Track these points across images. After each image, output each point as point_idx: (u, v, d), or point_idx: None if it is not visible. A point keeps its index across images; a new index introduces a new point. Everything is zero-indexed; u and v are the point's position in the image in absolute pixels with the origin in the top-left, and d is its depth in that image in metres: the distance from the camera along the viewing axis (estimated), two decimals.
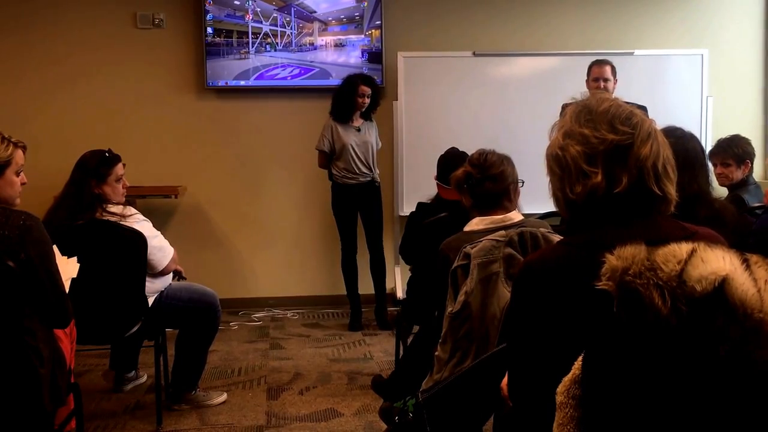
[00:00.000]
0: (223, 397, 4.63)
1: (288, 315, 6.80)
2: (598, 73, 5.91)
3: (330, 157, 6.27)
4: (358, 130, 6.24)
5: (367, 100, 6.16)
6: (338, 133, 6.18)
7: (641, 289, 1.35)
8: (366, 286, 6.55)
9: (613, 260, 1.41)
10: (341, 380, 5.05)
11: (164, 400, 4.42)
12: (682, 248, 1.38)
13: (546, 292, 1.73)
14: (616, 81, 5.93)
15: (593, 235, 1.73)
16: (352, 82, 6.20)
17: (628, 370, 1.40)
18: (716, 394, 1.32)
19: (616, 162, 1.74)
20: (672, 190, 1.78)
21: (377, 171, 6.42)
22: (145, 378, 4.94)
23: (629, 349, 1.39)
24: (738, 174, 4.74)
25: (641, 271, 1.37)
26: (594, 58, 6.05)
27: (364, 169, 6.26)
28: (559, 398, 1.56)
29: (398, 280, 6.65)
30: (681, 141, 2.93)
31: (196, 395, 4.52)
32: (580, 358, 1.55)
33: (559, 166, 1.80)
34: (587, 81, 5.97)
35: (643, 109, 5.76)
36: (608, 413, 1.44)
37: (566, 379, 1.56)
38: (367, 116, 6.33)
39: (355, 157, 6.19)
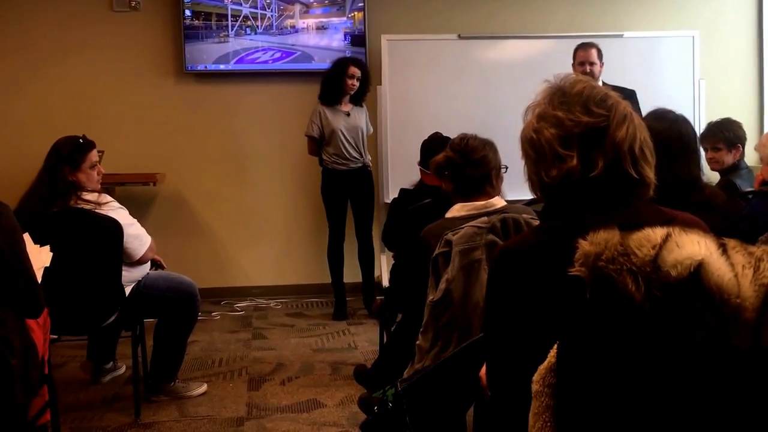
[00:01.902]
0: (203, 388, 4.63)
1: (271, 304, 6.80)
2: (583, 57, 5.93)
3: (319, 142, 6.26)
4: (348, 114, 6.23)
5: (357, 83, 6.16)
6: (327, 118, 6.17)
7: (614, 275, 1.35)
8: (351, 274, 6.56)
9: (586, 246, 1.41)
10: (324, 370, 5.05)
11: (142, 391, 4.43)
12: (657, 233, 1.38)
13: (521, 278, 1.74)
14: (602, 64, 5.96)
15: (569, 220, 1.73)
16: (342, 63, 6.21)
17: (602, 357, 1.40)
18: (692, 381, 1.33)
19: (591, 145, 1.73)
20: (650, 173, 1.78)
21: (368, 156, 6.42)
22: (123, 369, 4.94)
23: (603, 336, 1.40)
24: (729, 158, 4.73)
25: (614, 257, 1.37)
26: (582, 41, 6.06)
27: (354, 154, 6.25)
28: (534, 387, 1.57)
29: (384, 268, 6.66)
30: (675, 125, 2.93)
31: (175, 386, 4.52)
32: (556, 345, 1.55)
33: (534, 149, 1.80)
34: (573, 65, 5.99)
35: (632, 93, 5.83)
36: (582, 401, 1.45)
37: (542, 367, 1.56)
38: (356, 101, 6.32)
39: (345, 142, 6.19)
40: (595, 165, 1.73)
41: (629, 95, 5.88)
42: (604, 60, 6.01)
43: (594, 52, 5.92)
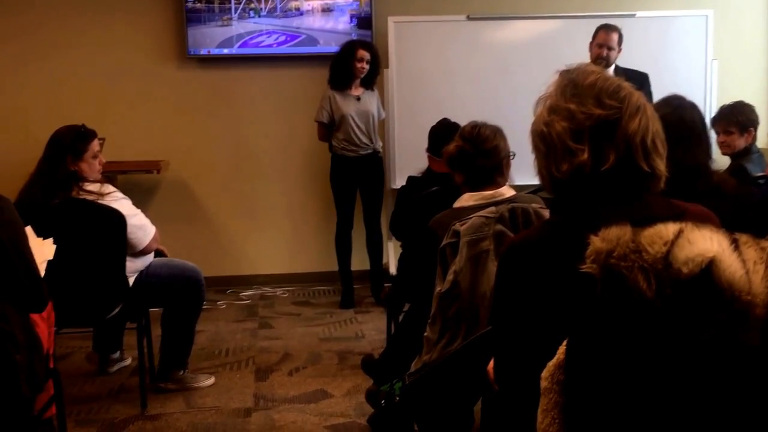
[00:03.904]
0: (211, 380, 4.66)
1: (278, 293, 6.82)
2: (603, 40, 5.93)
3: (329, 128, 6.26)
4: (358, 99, 6.22)
5: (366, 66, 6.15)
6: (337, 103, 6.16)
7: (625, 272, 1.36)
8: (358, 262, 6.57)
9: (597, 242, 1.42)
10: (332, 360, 5.08)
11: (149, 382, 4.47)
12: (669, 229, 1.39)
13: (530, 274, 1.74)
14: (620, 50, 5.94)
15: (579, 215, 1.74)
16: (350, 46, 6.20)
17: (612, 354, 1.41)
18: (702, 379, 1.33)
19: (603, 138, 1.74)
20: (662, 166, 1.78)
21: (379, 142, 6.42)
22: (130, 360, 4.96)
23: (613, 333, 1.41)
24: (741, 142, 4.74)
25: (626, 254, 1.37)
26: (594, 21, 6.10)
27: (365, 140, 6.25)
28: (543, 383, 1.57)
29: (392, 256, 6.66)
30: (678, 111, 2.93)
31: (184, 375, 4.56)
32: (565, 342, 1.56)
33: (545, 143, 1.80)
34: (591, 44, 5.99)
35: (645, 76, 5.82)
36: (591, 399, 1.45)
37: (551, 364, 1.57)
38: (367, 85, 6.31)
39: (354, 127, 6.19)
40: (606, 159, 1.73)
41: (642, 79, 5.88)
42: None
43: (615, 36, 5.92)
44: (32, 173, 4.05)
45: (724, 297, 1.31)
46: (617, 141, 1.73)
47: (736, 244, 1.37)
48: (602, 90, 1.76)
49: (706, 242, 1.35)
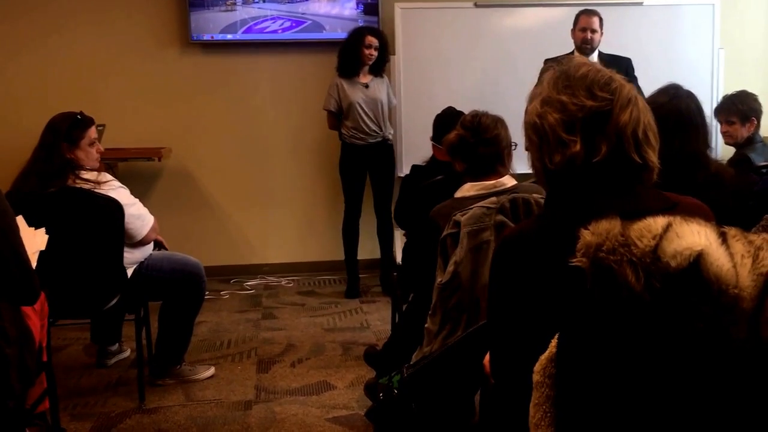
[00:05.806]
0: (211, 371, 4.67)
1: (282, 282, 6.84)
2: (585, 23, 6.01)
3: (338, 116, 6.28)
4: (366, 86, 6.23)
5: (375, 53, 6.15)
6: (344, 91, 6.17)
7: (614, 266, 1.37)
8: (366, 251, 6.58)
9: (587, 236, 1.43)
10: (335, 351, 5.09)
11: (147, 375, 4.47)
12: (658, 223, 1.40)
13: (523, 267, 1.76)
14: (602, 33, 6.01)
15: (571, 208, 1.75)
16: (358, 33, 6.21)
17: (602, 348, 1.42)
18: (691, 372, 1.35)
19: (595, 130, 1.75)
20: (654, 157, 1.79)
21: (390, 130, 6.43)
22: (128, 352, 4.97)
23: (603, 326, 1.42)
24: (743, 132, 4.75)
25: (615, 248, 1.39)
26: (602, 10, 6.11)
27: (374, 128, 6.25)
28: (535, 377, 1.59)
29: (398, 245, 6.67)
30: (674, 101, 2.93)
31: (181, 369, 4.56)
32: (557, 336, 1.57)
33: (537, 134, 1.81)
34: (572, 31, 6.06)
35: (628, 61, 5.93)
36: (581, 392, 1.47)
37: (543, 357, 1.59)
38: (376, 72, 6.31)
39: (363, 115, 6.19)
40: (598, 150, 1.75)
41: (626, 63, 5.94)
42: (623, 29, 6.08)
43: (597, 20, 6.00)
44: (28, 161, 4.03)
45: (712, 290, 1.32)
46: (609, 132, 1.75)
47: (724, 238, 1.38)
48: (594, 81, 1.78)
49: (694, 236, 1.36)
